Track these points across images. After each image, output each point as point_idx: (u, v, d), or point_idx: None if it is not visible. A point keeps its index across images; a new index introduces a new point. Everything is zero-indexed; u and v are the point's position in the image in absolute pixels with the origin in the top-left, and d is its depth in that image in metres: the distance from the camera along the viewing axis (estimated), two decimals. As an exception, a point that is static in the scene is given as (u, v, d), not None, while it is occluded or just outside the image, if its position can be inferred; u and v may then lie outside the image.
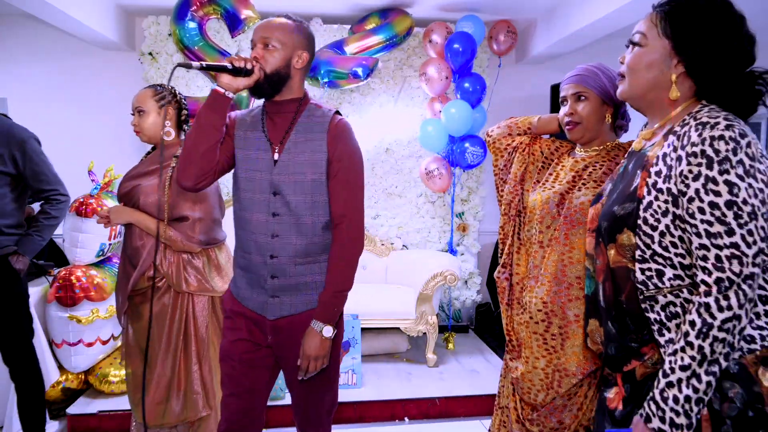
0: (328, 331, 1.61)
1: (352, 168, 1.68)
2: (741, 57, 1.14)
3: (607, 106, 1.63)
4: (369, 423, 3.03)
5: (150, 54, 3.89)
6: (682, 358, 1.05)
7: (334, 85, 3.71)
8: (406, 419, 3.07)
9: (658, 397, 1.07)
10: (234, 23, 3.66)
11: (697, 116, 1.11)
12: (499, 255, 1.85)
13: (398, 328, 3.66)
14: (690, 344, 1.04)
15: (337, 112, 1.70)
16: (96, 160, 2.91)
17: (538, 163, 1.78)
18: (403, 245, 4.25)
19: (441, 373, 3.51)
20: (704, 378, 1.03)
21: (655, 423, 1.06)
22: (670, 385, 1.05)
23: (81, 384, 3.03)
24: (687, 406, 1.04)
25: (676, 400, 1.04)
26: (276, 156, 1.64)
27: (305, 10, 3.90)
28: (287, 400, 3.03)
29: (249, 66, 1.57)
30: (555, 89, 3.92)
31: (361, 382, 3.22)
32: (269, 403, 2.97)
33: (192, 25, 3.53)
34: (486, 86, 3.89)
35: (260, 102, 1.74)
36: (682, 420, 1.04)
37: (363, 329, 3.43)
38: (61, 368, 2.93)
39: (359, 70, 3.63)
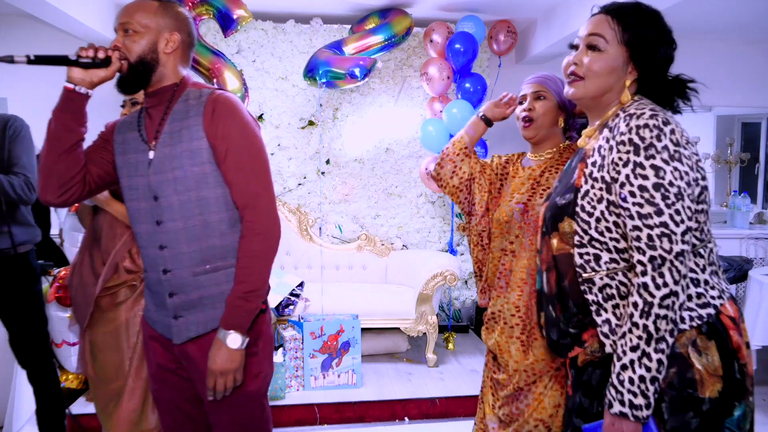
0: (235, 341, 1.35)
1: (245, 146, 1.38)
2: (671, 62, 1.26)
3: (562, 112, 1.70)
4: (369, 423, 3.03)
5: (150, 54, 3.89)
6: (630, 339, 1.11)
7: (332, 85, 3.71)
8: (406, 419, 3.07)
9: (615, 382, 1.12)
10: (227, 23, 3.66)
11: (626, 109, 1.20)
12: (476, 281, 1.86)
13: (398, 328, 3.66)
14: (635, 324, 1.10)
15: (220, 89, 1.44)
16: (96, 160, 2.90)
17: (497, 184, 1.80)
18: (403, 245, 4.25)
19: (441, 373, 3.52)
20: (654, 356, 1.09)
21: (617, 407, 1.12)
22: (624, 367, 1.11)
23: (81, 384, 3.02)
24: (642, 386, 1.09)
25: (631, 381, 1.10)
26: (151, 155, 1.41)
27: (305, 10, 3.90)
28: (287, 400, 3.03)
29: (101, 55, 1.34)
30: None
31: (361, 382, 3.22)
32: (270, 403, 2.96)
33: (185, 25, 3.53)
34: (487, 86, 3.89)
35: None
36: (640, 400, 1.09)
37: (363, 329, 3.42)
38: (61, 368, 2.92)
39: (356, 71, 3.63)
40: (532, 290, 1.62)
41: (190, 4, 3.51)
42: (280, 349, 3.12)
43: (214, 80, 3.57)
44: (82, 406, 2.90)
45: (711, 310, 1.15)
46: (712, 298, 1.16)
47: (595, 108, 1.31)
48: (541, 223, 1.41)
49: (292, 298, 3.42)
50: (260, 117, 3.98)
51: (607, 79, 1.25)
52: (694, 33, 4.29)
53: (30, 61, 1.26)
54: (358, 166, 4.18)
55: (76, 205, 2.79)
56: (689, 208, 1.10)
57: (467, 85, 3.81)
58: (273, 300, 3.19)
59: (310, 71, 3.63)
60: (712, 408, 1.13)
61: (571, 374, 1.34)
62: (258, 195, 1.39)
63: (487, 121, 1.82)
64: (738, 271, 3.47)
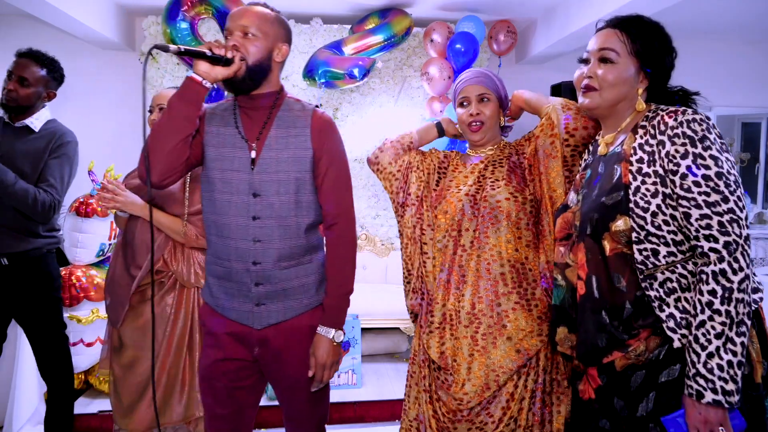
0: (339, 336, 1.56)
1: (342, 165, 1.59)
2: (673, 68, 1.35)
3: (500, 110, 1.73)
4: (369, 423, 3.03)
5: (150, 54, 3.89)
6: (713, 327, 1.12)
7: (331, 85, 3.71)
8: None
9: (703, 371, 1.12)
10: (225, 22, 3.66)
11: (659, 111, 1.27)
12: (404, 282, 1.81)
13: (398, 328, 3.66)
14: (717, 311, 1.12)
15: (318, 107, 1.61)
16: (96, 160, 2.91)
17: (434, 176, 1.79)
18: (403, 245, 4.25)
19: (441, 373, 3.51)
20: (737, 340, 1.11)
21: (709, 396, 1.11)
22: (710, 355, 1.12)
23: (81, 384, 3.03)
24: (731, 372, 1.11)
25: (720, 368, 1.11)
26: (253, 154, 1.52)
27: (305, 10, 3.90)
28: (287, 400, 3.04)
29: (229, 55, 1.42)
30: (555, 89, 3.92)
31: (361, 382, 3.22)
32: (270, 403, 2.98)
33: (183, 25, 3.53)
34: (486, 86, 3.89)
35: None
36: (731, 386, 1.11)
37: (363, 329, 3.43)
38: (61, 368, 2.93)
39: (355, 71, 3.63)
40: (488, 285, 1.59)
41: (189, 3, 3.51)
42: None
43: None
44: (82, 406, 2.90)
45: (760, 295, 1.21)
46: (758, 283, 1.22)
47: (609, 117, 1.36)
48: (559, 235, 1.42)
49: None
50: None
51: (621, 88, 1.31)
52: (694, 33, 4.29)
53: (179, 52, 1.38)
54: (358, 166, 4.18)
55: (75, 205, 2.79)
56: (744, 194, 1.17)
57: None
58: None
59: (310, 71, 3.63)
60: (759, 394, 1.17)
61: (600, 379, 1.31)
62: (349, 207, 1.59)
63: (441, 131, 1.84)
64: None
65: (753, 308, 1.17)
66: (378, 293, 3.72)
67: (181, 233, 2.00)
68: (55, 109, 4.02)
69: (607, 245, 1.27)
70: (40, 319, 2.33)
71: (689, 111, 1.20)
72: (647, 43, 1.30)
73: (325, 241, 1.63)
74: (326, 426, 1.76)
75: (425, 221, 1.75)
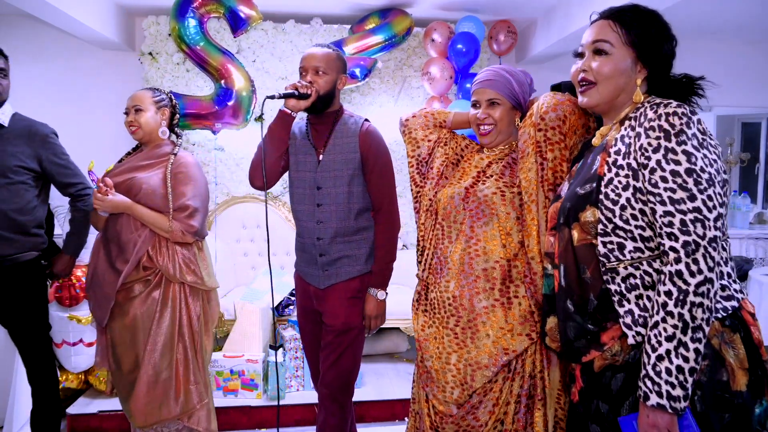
0: (383, 295, 2.04)
1: (385, 165, 2.03)
2: (673, 57, 1.29)
3: (516, 111, 1.71)
4: (369, 423, 3.03)
5: (150, 54, 3.88)
6: (665, 329, 1.08)
7: (333, 85, 3.71)
8: (406, 419, 3.07)
9: (651, 373, 1.09)
10: (237, 23, 3.65)
11: (649, 102, 1.21)
12: (418, 254, 1.84)
13: (398, 328, 3.66)
14: (670, 313, 1.08)
15: (366, 120, 2.04)
16: (96, 159, 2.91)
17: (455, 158, 1.81)
18: (403, 245, 4.25)
19: (441, 373, 3.51)
20: (691, 346, 1.06)
21: (654, 399, 1.08)
22: (660, 358, 1.08)
23: (81, 384, 3.03)
24: (681, 377, 1.06)
25: (668, 372, 1.07)
26: (320, 158, 2.01)
27: (305, 10, 3.90)
28: (288, 400, 3.04)
29: (310, 92, 1.92)
30: (555, 89, 3.91)
31: (361, 382, 3.22)
32: (269, 403, 2.98)
33: (193, 22, 3.52)
34: (486, 86, 3.88)
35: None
36: (678, 392, 1.06)
37: (363, 329, 3.42)
38: (61, 368, 2.93)
39: (357, 71, 3.63)
40: (469, 280, 1.60)
41: (199, 1, 3.51)
42: (280, 350, 3.12)
43: (222, 81, 3.57)
44: (82, 406, 2.90)
45: (735, 303, 1.14)
46: (735, 291, 1.16)
47: (610, 111, 1.32)
48: (550, 224, 1.40)
49: (292, 298, 3.42)
50: (260, 117, 3.98)
51: (618, 80, 1.27)
52: (694, 33, 4.29)
53: (279, 97, 1.90)
54: (358, 166, 4.18)
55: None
56: (719, 194, 1.09)
57: (468, 85, 3.81)
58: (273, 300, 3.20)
59: (310, 71, 3.63)
60: (743, 402, 1.11)
61: (582, 381, 1.31)
62: (392, 196, 2.04)
63: None
64: (738, 271, 3.48)
65: (722, 315, 1.13)
66: (378, 293, 3.72)
67: (166, 228, 2.06)
68: (56, 109, 4.03)
69: (576, 235, 1.27)
70: (24, 324, 2.34)
71: (673, 104, 1.14)
72: (643, 31, 1.25)
73: (374, 223, 2.05)
74: None
75: (437, 199, 1.78)
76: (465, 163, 1.78)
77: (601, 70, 1.27)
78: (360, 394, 3.12)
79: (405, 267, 4.03)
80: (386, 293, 2.05)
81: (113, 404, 2.90)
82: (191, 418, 2.15)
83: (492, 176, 1.66)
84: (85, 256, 2.88)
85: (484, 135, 1.71)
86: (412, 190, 1.88)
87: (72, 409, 2.86)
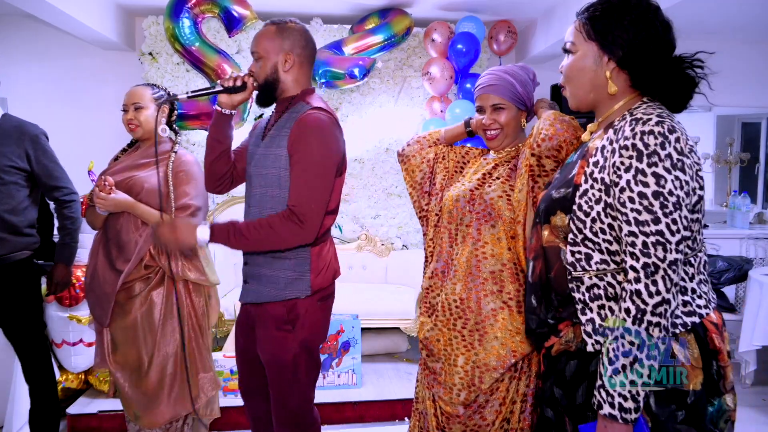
0: (203, 232, 1.60)
1: (309, 161, 1.60)
2: (660, 43, 1.20)
3: (522, 112, 1.70)
4: (369, 423, 3.03)
5: (150, 54, 3.89)
6: (623, 345, 1.11)
7: (331, 85, 3.71)
8: (406, 419, 3.07)
9: (607, 384, 1.13)
10: (232, 22, 3.64)
11: (633, 112, 1.19)
12: (425, 266, 1.83)
13: (398, 328, 3.66)
14: (628, 330, 1.11)
15: (322, 110, 1.65)
16: (96, 159, 2.91)
17: (458, 167, 1.82)
18: (403, 245, 4.25)
19: (441, 373, 3.51)
20: (646, 363, 1.10)
21: (606, 409, 1.13)
22: (616, 372, 1.12)
23: (81, 384, 3.03)
24: (633, 391, 1.11)
25: (623, 385, 1.11)
26: (259, 151, 1.72)
27: (305, 10, 3.90)
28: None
29: (239, 83, 1.66)
30: (555, 89, 3.92)
31: (361, 382, 3.22)
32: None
33: (187, 22, 3.51)
34: (486, 86, 3.88)
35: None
36: (630, 404, 1.11)
37: (363, 329, 3.42)
38: (61, 368, 2.93)
39: (356, 71, 3.63)
40: (476, 283, 1.61)
41: (193, 1, 3.51)
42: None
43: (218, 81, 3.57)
44: (82, 406, 2.90)
45: (695, 319, 1.17)
46: (698, 307, 1.18)
47: (594, 107, 1.32)
48: (534, 213, 1.43)
49: (292, 298, 3.42)
50: (260, 117, 3.98)
51: (581, 78, 1.27)
52: (694, 33, 4.29)
53: (189, 97, 1.65)
54: (358, 166, 4.18)
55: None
56: (686, 217, 1.11)
57: (468, 85, 3.81)
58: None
59: (311, 71, 3.64)
60: (696, 400, 1.15)
61: (543, 364, 1.37)
62: (304, 203, 1.58)
63: (470, 132, 1.83)
64: (738, 271, 3.47)
65: (681, 330, 1.15)
66: (378, 293, 3.72)
67: (153, 222, 2.03)
68: (55, 108, 4.03)
69: (546, 234, 1.29)
70: (18, 323, 2.34)
71: (652, 120, 1.11)
72: (608, 22, 1.20)
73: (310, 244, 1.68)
74: (327, 426, 1.78)
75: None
76: (470, 168, 1.79)
77: (565, 71, 1.31)
78: (360, 394, 3.12)
79: (405, 267, 4.05)
80: (207, 239, 1.61)
81: (113, 404, 2.90)
82: (207, 407, 2.21)
83: (498, 179, 1.66)
84: (84, 255, 2.89)
85: (492, 139, 1.71)
86: (417, 214, 1.86)
87: (72, 409, 2.86)
